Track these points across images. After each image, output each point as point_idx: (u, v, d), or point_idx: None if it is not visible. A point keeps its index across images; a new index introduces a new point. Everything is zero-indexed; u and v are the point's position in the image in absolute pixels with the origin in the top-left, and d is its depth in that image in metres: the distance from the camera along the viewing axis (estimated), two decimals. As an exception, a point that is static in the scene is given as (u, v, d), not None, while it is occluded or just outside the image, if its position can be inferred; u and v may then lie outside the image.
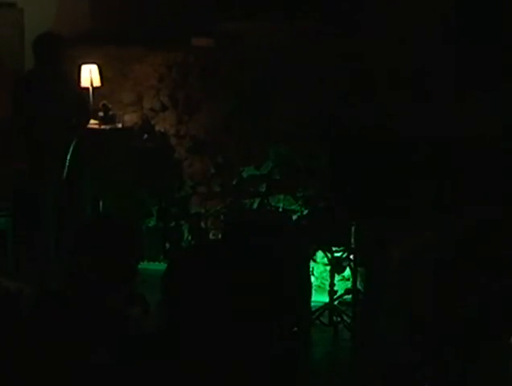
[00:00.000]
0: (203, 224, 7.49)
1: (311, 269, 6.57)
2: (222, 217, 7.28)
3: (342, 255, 6.37)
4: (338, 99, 6.95)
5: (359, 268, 6.43)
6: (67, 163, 6.82)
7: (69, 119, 6.87)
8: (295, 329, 6.08)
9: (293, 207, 7.19)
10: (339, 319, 6.27)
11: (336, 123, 6.78)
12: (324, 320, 6.30)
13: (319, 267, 6.90)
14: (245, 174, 7.37)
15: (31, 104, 6.75)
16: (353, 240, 6.28)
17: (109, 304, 2.80)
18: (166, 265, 2.56)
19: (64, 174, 6.83)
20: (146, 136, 7.62)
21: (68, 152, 6.82)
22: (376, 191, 6.20)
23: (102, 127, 7.42)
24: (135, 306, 2.87)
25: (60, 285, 3.00)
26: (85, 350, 2.71)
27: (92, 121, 7.37)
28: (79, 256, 2.91)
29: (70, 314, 2.79)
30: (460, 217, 5.65)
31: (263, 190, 7.28)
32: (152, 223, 7.60)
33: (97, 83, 7.44)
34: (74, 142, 6.87)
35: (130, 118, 7.67)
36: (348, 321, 6.24)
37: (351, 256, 6.36)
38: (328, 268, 6.48)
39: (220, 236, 7.14)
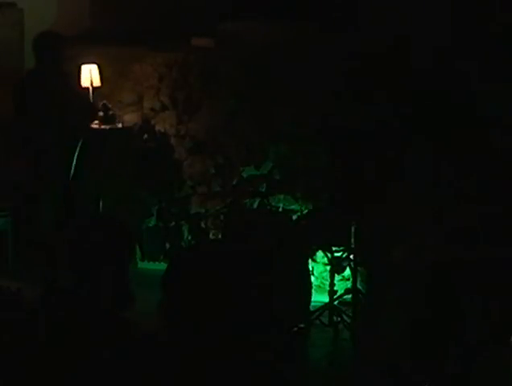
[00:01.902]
0: (203, 224, 7.48)
1: (311, 269, 6.57)
2: (222, 217, 7.27)
3: (342, 255, 6.36)
4: (338, 99, 6.94)
5: (359, 268, 6.42)
6: (74, 164, 6.82)
7: (72, 119, 6.87)
8: (295, 329, 6.09)
9: (293, 207, 7.19)
10: (339, 319, 6.26)
11: (336, 122, 6.78)
12: (324, 320, 6.29)
13: (319, 267, 6.90)
14: (245, 174, 7.37)
15: (32, 105, 6.75)
16: (352, 240, 6.27)
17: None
18: (166, 265, 2.56)
19: (71, 175, 6.83)
20: (146, 136, 7.62)
21: (74, 152, 6.82)
22: (375, 191, 6.21)
23: (102, 127, 7.42)
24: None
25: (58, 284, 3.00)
26: (84, 349, 2.71)
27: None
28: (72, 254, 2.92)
29: (67, 312, 2.79)
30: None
31: (263, 190, 7.27)
32: (152, 223, 7.60)
33: (96, 83, 7.43)
34: (80, 143, 6.87)
35: (130, 118, 7.66)
36: (348, 321, 6.24)
37: (351, 256, 6.35)
38: (328, 268, 6.47)
39: (220, 236, 7.14)
